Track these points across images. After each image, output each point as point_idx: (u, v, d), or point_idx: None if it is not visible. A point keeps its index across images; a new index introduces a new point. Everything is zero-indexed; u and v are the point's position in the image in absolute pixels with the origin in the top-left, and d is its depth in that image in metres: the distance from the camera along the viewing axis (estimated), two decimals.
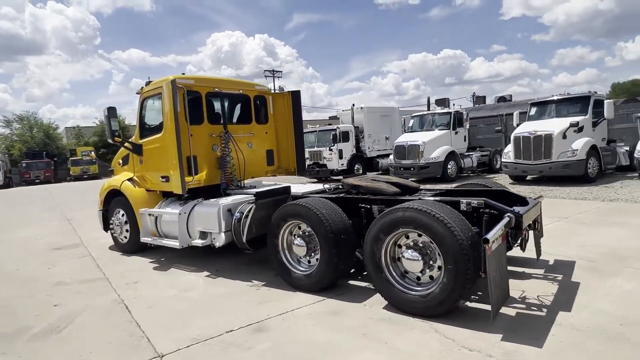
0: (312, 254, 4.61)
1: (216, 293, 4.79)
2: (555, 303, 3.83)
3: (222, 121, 6.44)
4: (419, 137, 14.87)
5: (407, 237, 3.88)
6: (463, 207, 3.96)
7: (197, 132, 6.06)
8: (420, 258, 3.73)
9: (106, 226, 7.50)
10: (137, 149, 6.62)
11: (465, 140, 15.81)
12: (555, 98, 13.49)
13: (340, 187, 5.58)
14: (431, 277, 3.77)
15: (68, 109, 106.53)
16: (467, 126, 15.79)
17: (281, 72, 51.52)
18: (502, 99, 41.07)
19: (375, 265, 3.94)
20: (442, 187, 5.89)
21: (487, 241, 3.18)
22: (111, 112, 6.34)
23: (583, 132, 11.98)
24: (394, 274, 3.91)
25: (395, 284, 3.85)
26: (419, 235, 3.79)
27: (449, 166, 14.51)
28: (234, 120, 6.99)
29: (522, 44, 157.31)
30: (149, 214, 6.33)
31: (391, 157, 15.75)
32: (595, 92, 12.95)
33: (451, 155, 14.65)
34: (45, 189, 27.98)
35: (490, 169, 16.69)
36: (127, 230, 6.90)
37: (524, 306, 3.81)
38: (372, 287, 4.53)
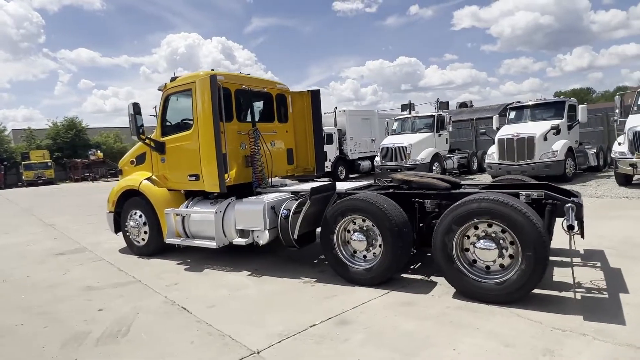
0: (370, 249, 4.67)
1: (271, 291, 4.73)
2: (611, 286, 4.12)
3: (250, 119, 6.36)
4: (405, 140, 15.29)
5: (476, 228, 4.03)
6: (522, 198, 4.18)
7: (226, 129, 5.95)
8: (494, 247, 3.89)
9: (117, 229, 7.15)
10: (160, 147, 6.38)
11: (447, 143, 16.44)
12: (531, 103, 14.37)
13: (382, 182, 5.68)
14: (502, 265, 3.95)
15: (8, 111, 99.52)
16: (450, 129, 16.43)
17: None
18: (463, 105, 43.05)
19: (447, 256, 4.06)
20: (478, 182, 6.12)
21: (572, 227, 3.40)
22: (136, 108, 6.10)
23: (560, 134, 12.83)
24: (465, 264, 4.05)
25: (468, 273, 4.00)
26: (489, 226, 3.96)
27: (434, 167, 15.01)
28: (257, 118, 6.91)
29: (472, 53, 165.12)
30: (176, 214, 6.12)
31: (377, 158, 16.06)
32: (570, 98, 13.92)
33: (435, 157, 15.18)
34: (0, 195, 25.96)
35: (469, 170, 17.43)
36: (145, 232, 6.62)
37: (584, 290, 4.07)
38: (427, 279, 4.69)
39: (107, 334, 3.83)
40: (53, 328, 4.09)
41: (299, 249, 5.32)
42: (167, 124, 6.48)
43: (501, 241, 3.91)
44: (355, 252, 4.79)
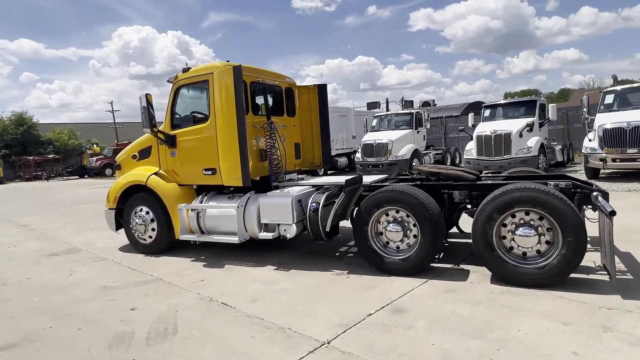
0: (404, 239, 4.75)
1: (307, 284, 4.70)
2: (630, 268, 4.45)
3: (265, 112, 6.27)
4: (385, 136, 15.57)
5: (514, 217, 4.23)
6: (551, 187, 4.42)
7: None
8: (534, 234, 4.10)
9: (118, 226, 6.82)
10: (170, 141, 6.14)
11: (424, 139, 16.92)
12: (504, 102, 15.11)
13: (408, 175, 5.79)
14: (538, 251, 4.16)
15: None
16: (428, 126, 16.91)
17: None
18: (426, 104, 44.37)
19: (487, 244, 4.23)
20: (497, 174, 6.36)
21: (614, 213, 3.65)
22: (149, 99, 5.83)
23: (532, 131, 13.58)
24: (503, 250, 4.24)
25: (508, 260, 4.18)
26: (527, 214, 4.17)
27: (413, 163, 15.40)
28: (263, 112, 6.81)
29: (427, 54, 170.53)
30: (191, 210, 5.92)
31: (358, 155, 16.24)
32: (540, 97, 14.75)
33: (415, 153, 15.57)
34: None
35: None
36: (153, 230, 6.35)
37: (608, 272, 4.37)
38: (457, 267, 4.85)
39: (154, 333, 3.66)
40: (88, 330, 3.86)
41: (327, 242, 5.33)
42: (177, 116, 6.25)
43: (539, 228, 4.12)
44: (387, 243, 4.86)
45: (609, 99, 12.20)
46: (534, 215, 4.13)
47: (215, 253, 6.18)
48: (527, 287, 4.07)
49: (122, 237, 7.42)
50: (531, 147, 13.02)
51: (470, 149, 14.06)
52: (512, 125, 13.40)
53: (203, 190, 6.22)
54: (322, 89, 7.31)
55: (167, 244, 6.35)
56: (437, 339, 3.21)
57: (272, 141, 6.11)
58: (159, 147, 6.37)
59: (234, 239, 5.52)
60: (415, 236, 4.70)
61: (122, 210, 6.73)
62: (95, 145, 32.40)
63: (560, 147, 15.46)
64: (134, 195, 6.52)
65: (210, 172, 5.83)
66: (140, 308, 4.29)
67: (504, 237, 4.27)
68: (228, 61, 5.90)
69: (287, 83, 7.00)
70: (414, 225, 4.68)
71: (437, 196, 4.84)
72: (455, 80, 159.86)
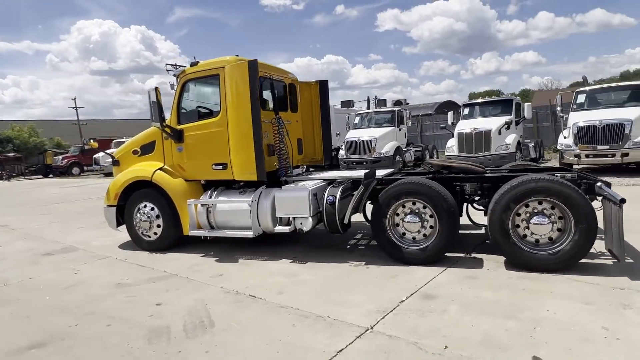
0: (420, 230, 4.93)
1: (328, 275, 4.78)
2: (629, 253, 4.80)
3: (272, 107, 6.30)
4: (369, 134, 15.83)
5: (527, 206, 4.48)
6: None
7: None
8: (548, 222, 4.36)
9: (119, 223, 6.65)
10: (177, 136, 6.05)
11: (405, 137, 17.31)
12: (481, 101, 15.71)
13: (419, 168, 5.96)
14: (550, 238, 4.43)
15: None
16: (409, 123, 17.30)
17: (184, 67, 47.84)
18: (398, 102, 45.12)
19: (504, 232, 4.46)
20: (500, 168, 6.62)
21: (624, 201, 3.95)
22: (158, 94, 5.74)
23: (509, 129, 14.20)
24: (518, 238, 4.49)
25: (523, 247, 4.43)
26: (539, 203, 4.43)
27: (396, 160, 15.74)
28: (271, 107, 6.82)
29: (394, 54, 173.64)
30: (201, 205, 5.86)
31: (342, 152, 16.41)
32: (516, 97, 15.43)
33: (397, 150, 15.92)
34: None
35: (424, 161, 18.49)
36: (158, 226, 6.25)
37: (609, 256, 4.69)
38: (469, 256, 5.08)
39: (190, 326, 3.65)
40: (118, 326, 3.79)
41: (342, 234, 5.43)
42: (183, 111, 6.17)
43: (552, 216, 4.39)
44: (404, 234, 5.02)
45: (581, 98, 12.94)
46: (547, 205, 4.40)
47: (223, 249, 6.15)
48: (541, 272, 4.33)
49: (120, 235, 7.29)
50: (509, 144, 13.61)
51: (452, 146, 14.54)
52: (491, 123, 13.95)
53: (210, 186, 6.18)
54: (323, 85, 7.39)
55: (174, 240, 6.27)
56: (473, 321, 3.39)
57: (280, 136, 6.14)
58: (164, 142, 6.27)
59: (248, 234, 5.53)
60: (431, 227, 4.88)
61: (122, 207, 6.57)
62: (92, 141, 30.05)
63: (533, 144, 16.23)
64: (138, 191, 6.38)
65: (220, 167, 5.80)
66: (165, 303, 4.24)
67: (518, 226, 4.52)
68: (237, 55, 5.88)
69: (290, 79, 7.04)
70: (430, 216, 4.86)
71: (449, 188, 5.04)
72: (422, 80, 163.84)
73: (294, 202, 5.36)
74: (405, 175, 5.81)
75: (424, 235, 4.92)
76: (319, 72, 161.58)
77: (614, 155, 11.15)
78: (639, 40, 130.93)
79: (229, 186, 6.10)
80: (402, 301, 3.87)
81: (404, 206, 4.99)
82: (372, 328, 3.38)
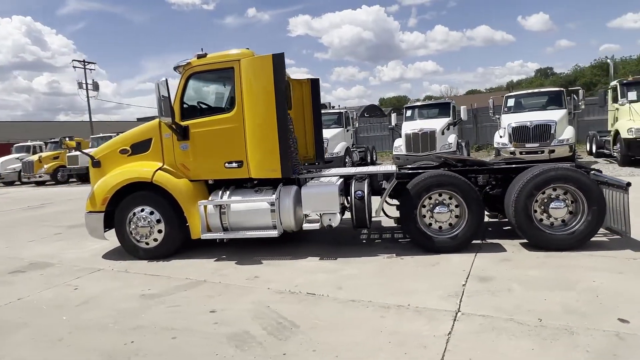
0: (448, 220, 5.21)
1: (369, 269, 4.82)
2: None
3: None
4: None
5: (543, 193, 5.01)
6: None
7: None
8: (564, 206, 4.92)
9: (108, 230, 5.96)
10: (182, 132, 5.61)
11: (352, 138, 17.83)
12: (421, 104, 16.88)
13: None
14: (563, 220, 5.01)
15: None
16: (357, 125, 17.84)
17: (95, 63, 43.58)
18: (323, 106, 46.36)
19: (528, 217, 4.93)
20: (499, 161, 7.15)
21: (630, 184, 4.62)
22: (167, 86, 5.26)
23: (449, 130, 15.45)
24: (538, 222, 4.98)
25: (544, 230, 4.94)
26: (554, 190, 4.98)
27: (346, 160, 16.15)
28: None
29: (307, 59, 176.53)
30: (215, 205, 5.50)
31: None
32: (452, 100, 16.81)
33: (347, 150, 16.35)
34: None
35: (366, 161, 19.21)
36: (159, 232, 5.72)
37: (602, 234, 5.41)
38: (484, 242, 5.50)
39: (272, 329, 3.46)
40: (187, 337, 3.45)
41: (368, 228, 5.52)
42: (186, 106, 5.74)
43: (566, 201, 4.97)
44: (430, 224, 5.27)
45: (511, 102, 14.58)
46: (560, 191, 4.97)
47: (233, 251, 5.84)
48: (559, 250, 4.87)
49: (94, 246, 6.63)
50: (451, 143, 14.77)
51: (399, 146, 15.34)
52: (435, 123, 15.02)
53: (216, 186, 5.83)
54: (315, 83, 7.39)
55: (178, 246, 5.80)
56: (542, 296, 3.71)
57: (290, 133, 6.02)
58: (163, 139, 5.77)
59: (273, 233, 5.34)
60: (456, 216, 5.20)
61: (109, 213, 5.89)
62: (67, 139, 23.67)
63: (464, 143, 17.82)
64: (132, 195, 5.77)
65: (235, 165, 5.52)
66: (220, 309, 3.94)
67: (536, 211, 5.03)
68: (248, 48, 5.66)
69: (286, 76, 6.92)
70: (456, 206, 5.18)
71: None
72: (334, 85, 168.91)
73: (323, 198, 5.31)
74: (416, 169, 6.06)
75: (450, 224, 5.22)
76: None
77: (543, 152, 12.73)
78: (518, 54, 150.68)
79: (239, 185, 5.82)
80: (464, 285, 4.08)
81: (430, 198, 5.24)
82: (459, 311, 3.53)
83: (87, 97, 38.11)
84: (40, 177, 22.00)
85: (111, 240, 6.09)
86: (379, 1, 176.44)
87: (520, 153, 13.04)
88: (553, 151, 12.64)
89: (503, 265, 4.59)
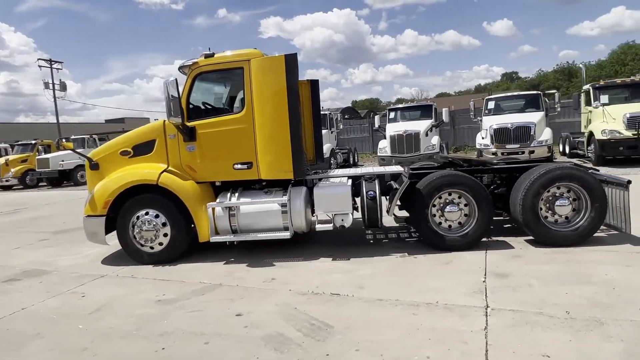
0: (457, 218, 5.33)
1: (384, 268, 4.88)
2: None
3: None
4: None
5: (548, 192, 5.20)
6: None
7: None
8: (568, 203, 5.13)
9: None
10: (189, 133, 5.49)
11: (335, 139, 17.91)
12: (403, 106, 17.19)
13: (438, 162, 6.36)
14: (567, 217, 5.22)
15: None
16: (340, 126, 17.92)
17: (62, 62, 41.63)
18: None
19: (535, 215, 5.10)
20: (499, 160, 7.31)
21: (630, 182, 4.87)
22: (176, 86, 5.14)
23: (432, 131, 15.79)
24: (544, 219, 5.17)
25: (550, 226, 5.13)
26: (558, 188, 5.19)
27: (331, 161, 16.20)
28: None
29: None
30: (223, 208, 5.40)
31: None
32: (434, 103, 17.18)
33: (332, 152, 16.41)
34: None
35: (349, 163, 19.34)
36: (165, 235, 5.56)
37: (605, 228, 5.63)
38: (490, 239, 5.65)
39: (306, 330, 3.44)
40: (220, 341, 3.38)
41: (379, 228, 5.55)
42: (192, 106, 5.63)
43: (569, 199, 5.18)
44: (440, 223, 5.37)
45: (491, 104, 15.06)
46: (564, 189, 5.18)
47: (241, 254, 5.75)
48: (563, 246, 5.06)
49: (89, 251, 6.45)
50: (435, 144, 15.10)
51: (384, 147, 15.54)
52: (419, 125, 15.32)
53: (223, 188, 5.74)
54: (314, 84, 7.38)
55: (184, 249, 5.66)
56: (562, 290, 3.85)
57: None
58: (168, 141, 5.63)
59: (285, 234, 5.30)
60: (465, 215, 5.32)
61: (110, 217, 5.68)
62: (63, 140, 21.88)
63: (444, 144, 18.25)
64: (135, 198, 5.58)
65: (245, 167, 5.45)
66: (246, 312, 3.87)
67: (541, 209, 5.22)
68: (255, 48, 5.61)
69: None
70: (465, 205, 5.30)
71: None
72: None
73: (336, 198, 5.32)
74: (423, 169, 6.15)
75: (459, 223, 5.34)
76: None
77: (523, 152, 13.18)
78: (483, 59, 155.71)
79: (247, 187, 5.75)
80: (484, 282, 4.18)
81: (440, 197, 5.34)
82: (488, 306, 3.62)
83: (54, 97, 36.52)
84: (7, 181, 20.99)
85: (106, 245, 5.90)
86: (350, 4, 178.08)
87: (502, 154, 13.47)
88: (533, 152, 13.12)
89: (515, 261, 4.74)
